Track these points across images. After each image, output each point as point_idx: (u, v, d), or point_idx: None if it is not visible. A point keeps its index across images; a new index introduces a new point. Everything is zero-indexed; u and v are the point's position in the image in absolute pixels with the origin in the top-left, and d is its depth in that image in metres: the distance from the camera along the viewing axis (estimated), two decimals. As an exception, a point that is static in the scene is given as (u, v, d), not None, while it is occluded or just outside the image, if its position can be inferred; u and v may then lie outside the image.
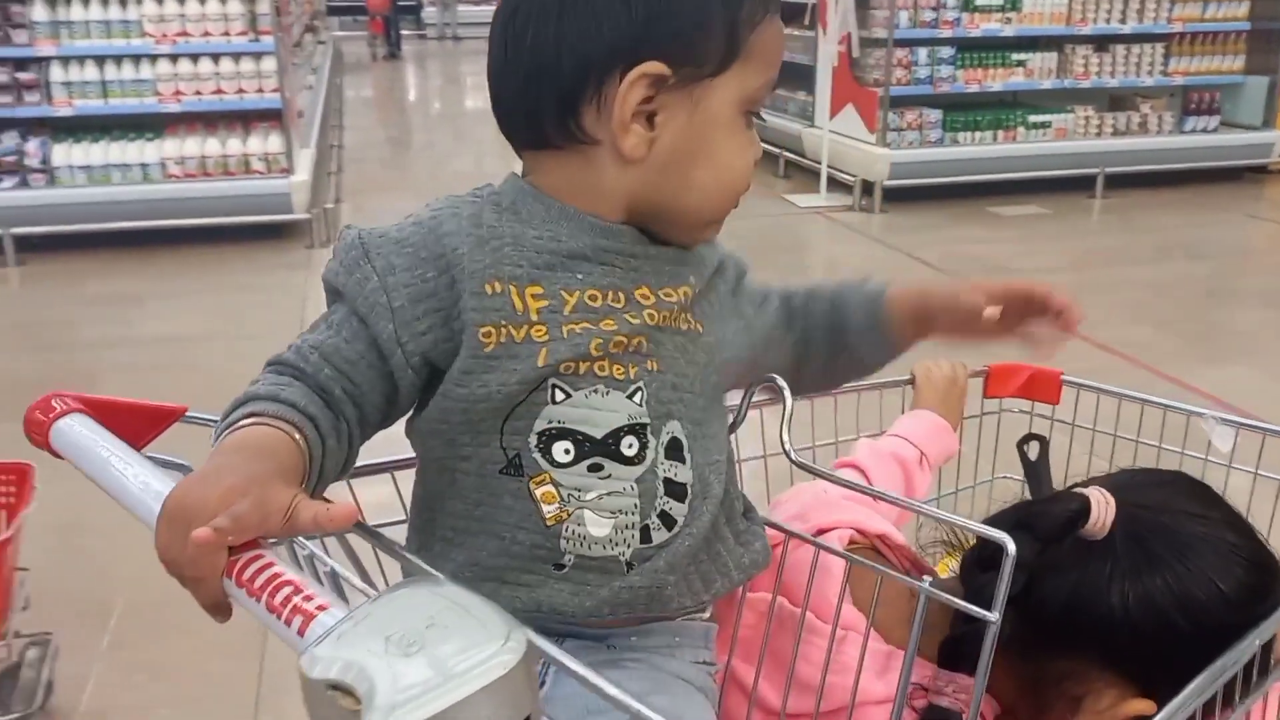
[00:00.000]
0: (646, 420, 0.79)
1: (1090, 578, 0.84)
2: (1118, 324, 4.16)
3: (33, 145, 5.10)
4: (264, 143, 5.25)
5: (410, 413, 0.82)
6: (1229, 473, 1.11)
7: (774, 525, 0.91)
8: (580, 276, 0.77)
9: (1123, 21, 6.43)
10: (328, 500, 0.67)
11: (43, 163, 5.09)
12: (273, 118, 5.31)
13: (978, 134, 6.35)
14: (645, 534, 0.79)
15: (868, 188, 6.20)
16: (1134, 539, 0.84)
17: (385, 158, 8.63)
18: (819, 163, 6.43)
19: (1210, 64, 6.69)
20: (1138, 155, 6.46)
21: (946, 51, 6.24)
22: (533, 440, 0.77)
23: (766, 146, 6.04)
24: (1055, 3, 6.32)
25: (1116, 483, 0.88)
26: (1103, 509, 0.83)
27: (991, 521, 0.85)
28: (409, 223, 0.80)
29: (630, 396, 0.78)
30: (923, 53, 6.21)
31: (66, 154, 5.12)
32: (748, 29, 0.76)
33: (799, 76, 7.19)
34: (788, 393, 0.88)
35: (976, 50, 6.31)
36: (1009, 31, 6.30)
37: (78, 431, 0.74)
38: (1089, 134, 6.50)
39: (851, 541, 0.96)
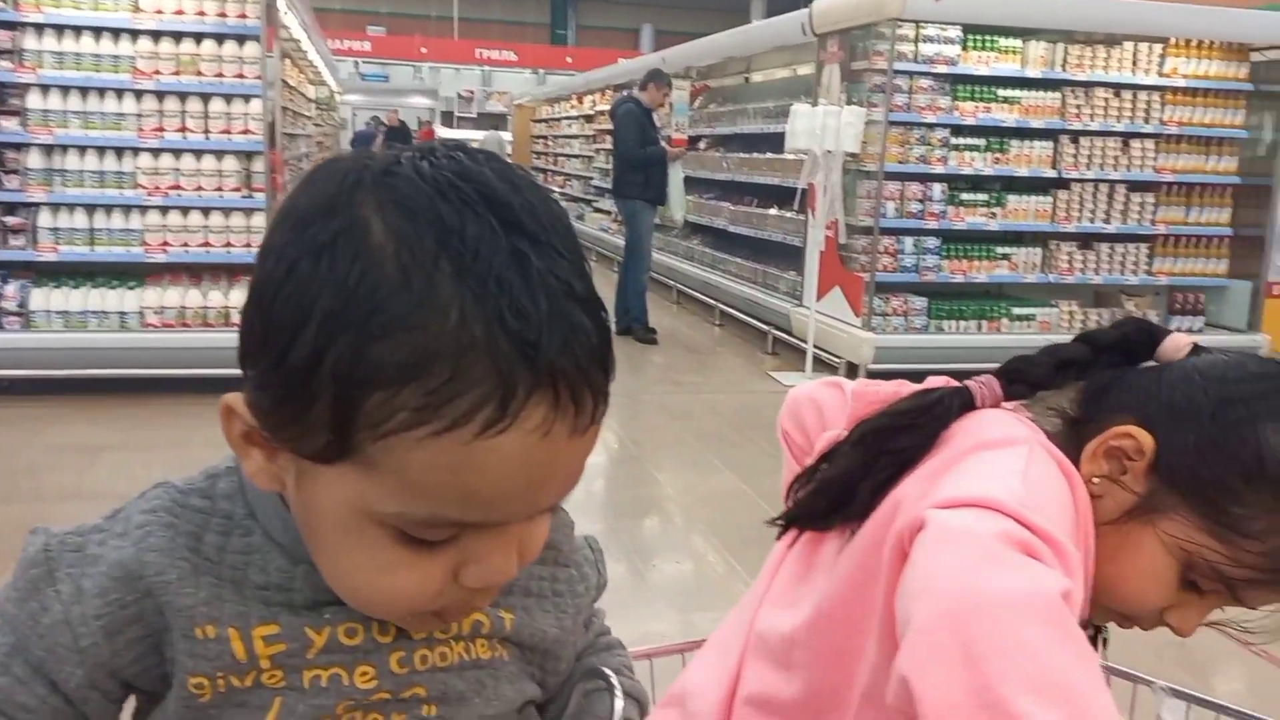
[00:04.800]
0: None
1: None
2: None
3: (12, 289, 5.08)
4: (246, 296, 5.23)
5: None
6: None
7: None
8: (328, 616, 0.62)
9: (1106, 221, 6.54)
10: None
11: (20, 306, 5.07)
12: (258, 272, 5.31)
13: (962, 323, 6.37)
14: None
15: (852, 370, 6.17)
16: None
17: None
18: (805, 342, 6.43)
19: (1194, 266, 6.77)
20: (1123, 352, 6.45)
21: (932, 242, 6.33)
22: None
23: (756, 323, 5.99)
24: (1040, 201, 6.45)
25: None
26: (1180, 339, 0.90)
27: None
28: (115, 529, 0.64)
29: None
30: (909, 241, 6.29)
31: (45, 299, 5.10)
32: (369, 432, 0.51)
33: (789, 256, 7.30)
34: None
35: (962, 242, 6.40)
36: (994, 226, 6.40)
37: None
38: (1073, 328, 6.50)
39: None
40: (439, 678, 0.65)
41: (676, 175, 7.63)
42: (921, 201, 6.28)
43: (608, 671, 0.77)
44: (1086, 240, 6.59)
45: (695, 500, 4.31)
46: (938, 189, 6.29)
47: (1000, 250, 6.47)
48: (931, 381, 0.94)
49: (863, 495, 0.84)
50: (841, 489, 0.86)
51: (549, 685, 0.76)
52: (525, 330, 0.50)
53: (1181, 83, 6.50)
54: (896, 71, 6.12)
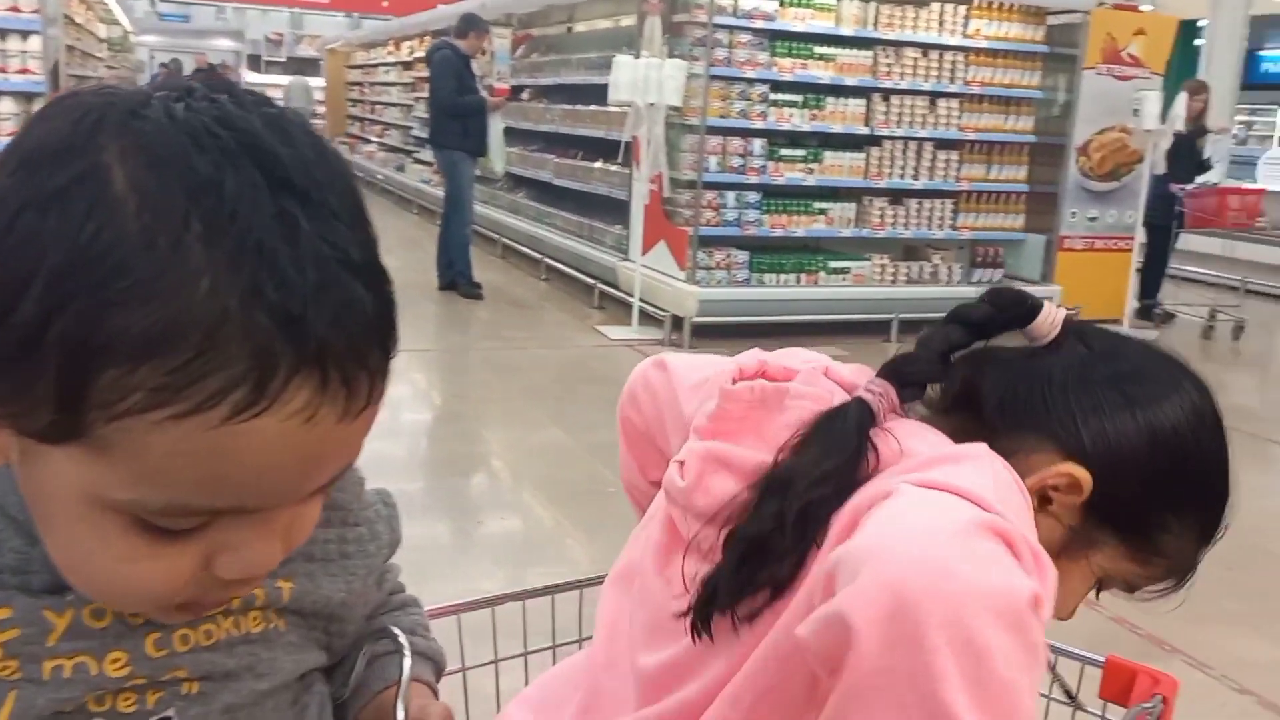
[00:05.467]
0: None
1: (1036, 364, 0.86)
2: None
3: None
4: None
5: None
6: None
7: None
8: (71, 598, 0.55)
9: (915, 178, 6.81)
10: None
11: None
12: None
13: (782, 276, 6.53)
14: None
15: (678, 323, 6.24)
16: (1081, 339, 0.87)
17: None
18: (632, 296, 6.45)
19: (994, 221, 7.15)
20: (929, 303, 6.76)
21: (753, 197, 6.44)
22: None
23: (582, 278, 5.96)
24: (854, 157, 6.65)
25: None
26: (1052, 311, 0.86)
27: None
28: None
29: None
30: (731, 196, 6.38)
31: None
32: (101, 412, 0.45)
33: (615, 210, 7.28)
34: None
35: (781, 197, 6.54)
36: (811, 181, 6.57)
37: None
38: (884, 281, 6.79)
39: None
40: (204, 658, 0.59)
41: (497, 126, 7.46)
42: (743, 156, 6.37)
43: (397, 631, 0.73)
44: (897, 196, 6.85)
45: (522, 456, 4.26)
46: (758, 144, 6.39)
47: (817, 205, 6.65)
48: (751, 356, 0.90)
49: (786, 562, 0.74)
50: (761, 555, 0.75)
51: (335, 649, 0.71)
52: (288, 303, 0.44)
53: (984, 44, 6.81)
54: (716, 26, 6.16)
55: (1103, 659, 0.97)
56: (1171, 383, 0.84)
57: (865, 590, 0.61)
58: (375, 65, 15.51)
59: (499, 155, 7.67)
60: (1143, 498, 0.82)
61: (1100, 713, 0.97)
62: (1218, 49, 9.85)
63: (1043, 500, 0.82)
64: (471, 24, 7.25)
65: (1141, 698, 0.89)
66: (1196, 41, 10.66)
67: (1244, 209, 7.37)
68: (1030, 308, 0.87)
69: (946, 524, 0.65)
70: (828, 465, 0.75)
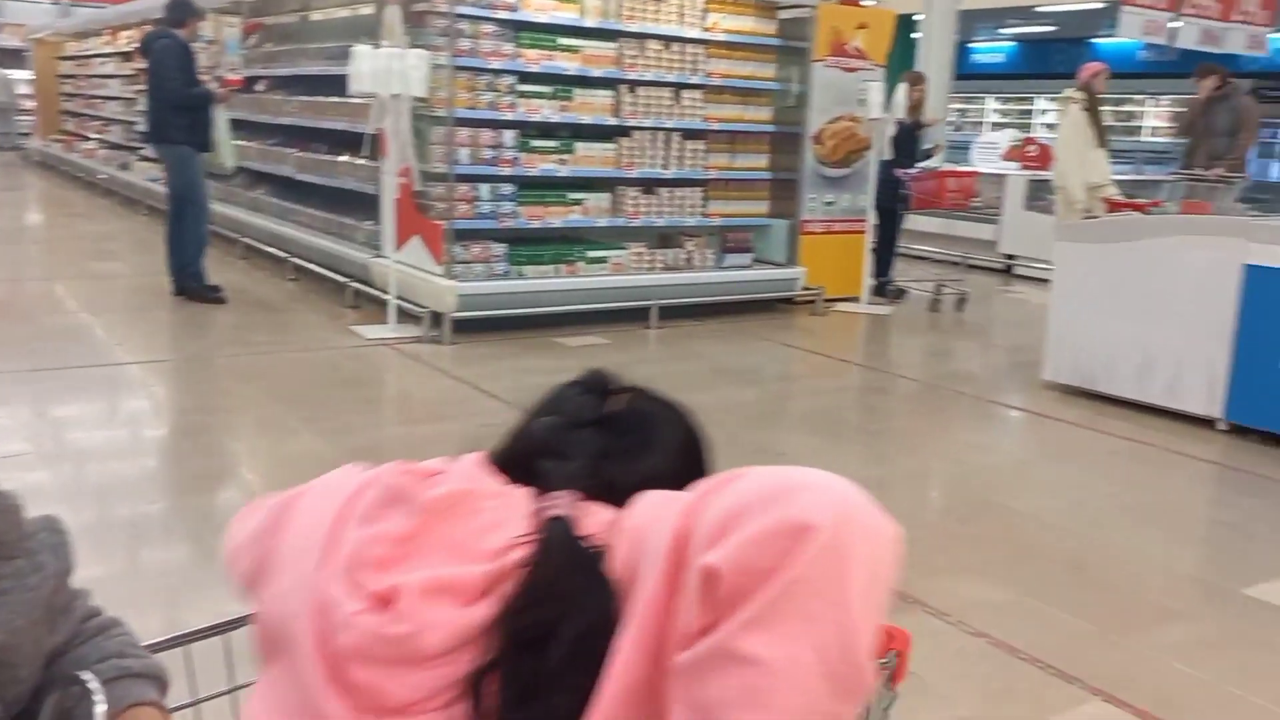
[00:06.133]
0: None
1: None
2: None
3: None
4: None
5: None
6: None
7: None
8: None
9: (665, 167, 6.97)
10: None
11: None
12: None
13: (542, 267, 6.52)
14: None
15: (437, 319, 6.10)
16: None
17: None
18: (387, 293, 6.25)
19: (742, 207, 7.43)
20: (686, 289, 6.96)
21: (508, 188, 6.39)
22: None
23: (334, 276, 5.71)
24: (605, 148, 6.72)
25: None
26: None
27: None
28: None
29: None
30: (485, 188, 6.30)
31: None
32: None
33: (365, 205, 7.03)
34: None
35: (536, 188, 6.53)
36: (565, 172, 6.59)
37: None
38: (642, 269, 6.91)
39: None
40: None
41: (222, 119, 7.02)
42: (494, 148, 6.30)
43: (87, 676, 0.65)
44: (649, 185, 6.99)
45: (274, 466, 4.03)
46: (509, 135, 6.34)
47: (572, 196, 6.68)
48: (359, 475, 0.92)
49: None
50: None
51: (6, 698, 0.62)
52: None
53: (722, 37, 7.05)
54: (458, 15, 6.06)
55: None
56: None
57: (819, 500, 0.72)
58: (91, 56, 14.27)
59: (228, 150, 7.20)
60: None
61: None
62: (932, 42, 10.64)
63: None
64: (185, 10, 6.78)
65: (878, 654, 0.92)
66: (914, 35, 11.47)
67: (961, 190, 8.01)
68: (605, 390, 1.01)
69: (798, 472, 0.76)
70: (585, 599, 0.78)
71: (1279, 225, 4.88)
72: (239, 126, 8.11)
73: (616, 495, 0.87)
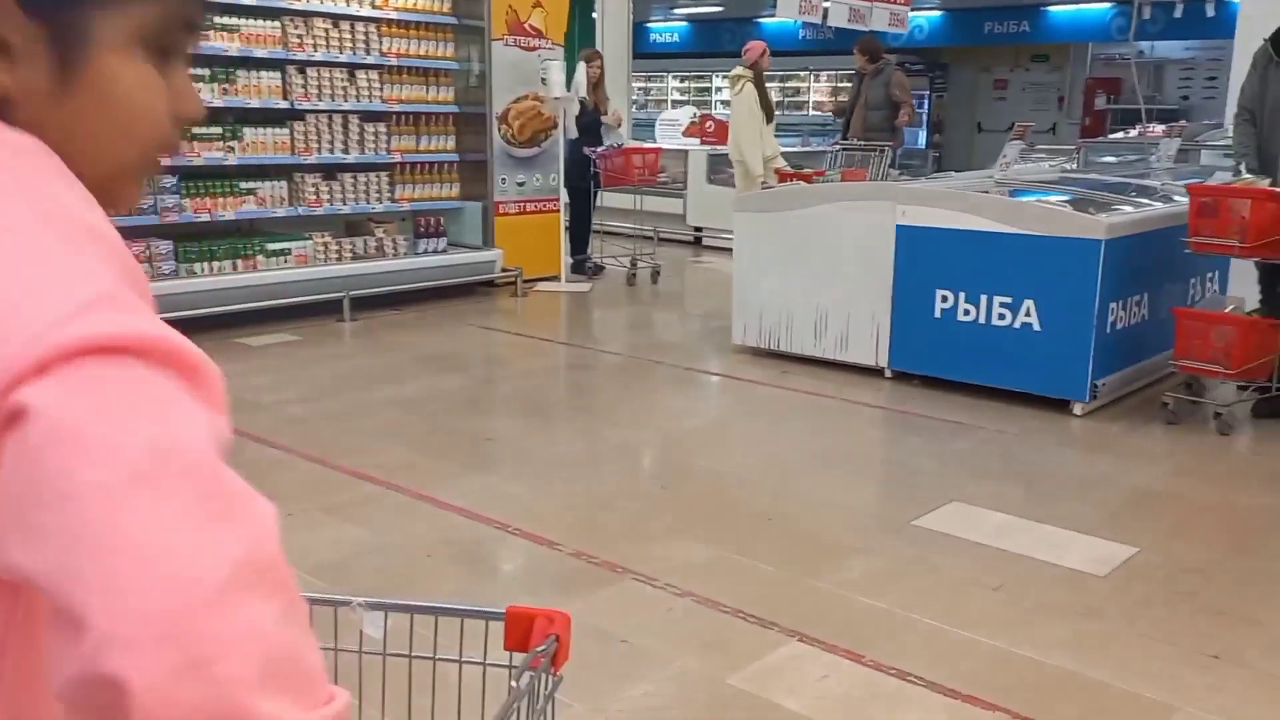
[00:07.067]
0: None
1: None
2: (378, 448, 4.14)
3: None
4: None
5: None
6: (385, 660, 0.94)
7: None
8: None
9: (346, 151, 6.67)
10: None
11: None
12: None
13: (215, 264, 6.06)
14: None
15: (97, 329, 5.51)
16: None
17: None
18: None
19: (432, 190, 7.25)
20: (379, 277, 6.71)
21: (169, 180, 5.87)
22: None
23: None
24: (277, 133, 6.33)
25: None
26: None
27: None
28: None
29: None
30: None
31: None
32: None
33: None
34: None
35: (202, 178, 6.04)
36: (233, 160, 6.14)
37: None
38: (330, 259, 6.59)
39: None
40: None
41: None
42: (149, 136, 5.76)
43: None
44: (330, 171, 6.66)
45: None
46: (166, 122, 5.81)
47: (244, 185, 6.24)
48: None
49: None
50: None
51: None
52: None
53: (394, 15, 6.82)
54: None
55: (503, 611, 0.93)
56: None
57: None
58: None
59: None
60: None
61: (507, 663, 0.94)
62: (608, 21, 10.85)
63: None
64: None
65: (539, 641, 0.87)
66: (594, 15, 11.65)
67: (646, 166, 8.22)
68: None
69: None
70: None
71: (921, 188, 5.36)
72: None
73: None
